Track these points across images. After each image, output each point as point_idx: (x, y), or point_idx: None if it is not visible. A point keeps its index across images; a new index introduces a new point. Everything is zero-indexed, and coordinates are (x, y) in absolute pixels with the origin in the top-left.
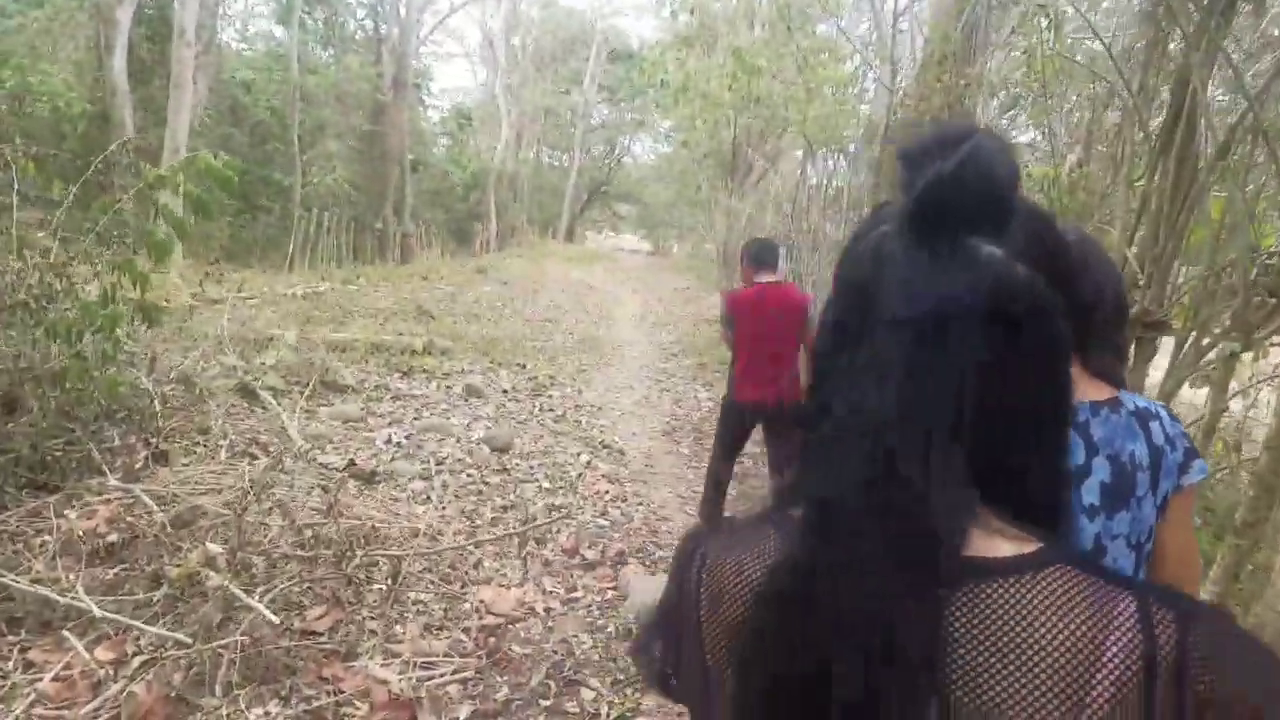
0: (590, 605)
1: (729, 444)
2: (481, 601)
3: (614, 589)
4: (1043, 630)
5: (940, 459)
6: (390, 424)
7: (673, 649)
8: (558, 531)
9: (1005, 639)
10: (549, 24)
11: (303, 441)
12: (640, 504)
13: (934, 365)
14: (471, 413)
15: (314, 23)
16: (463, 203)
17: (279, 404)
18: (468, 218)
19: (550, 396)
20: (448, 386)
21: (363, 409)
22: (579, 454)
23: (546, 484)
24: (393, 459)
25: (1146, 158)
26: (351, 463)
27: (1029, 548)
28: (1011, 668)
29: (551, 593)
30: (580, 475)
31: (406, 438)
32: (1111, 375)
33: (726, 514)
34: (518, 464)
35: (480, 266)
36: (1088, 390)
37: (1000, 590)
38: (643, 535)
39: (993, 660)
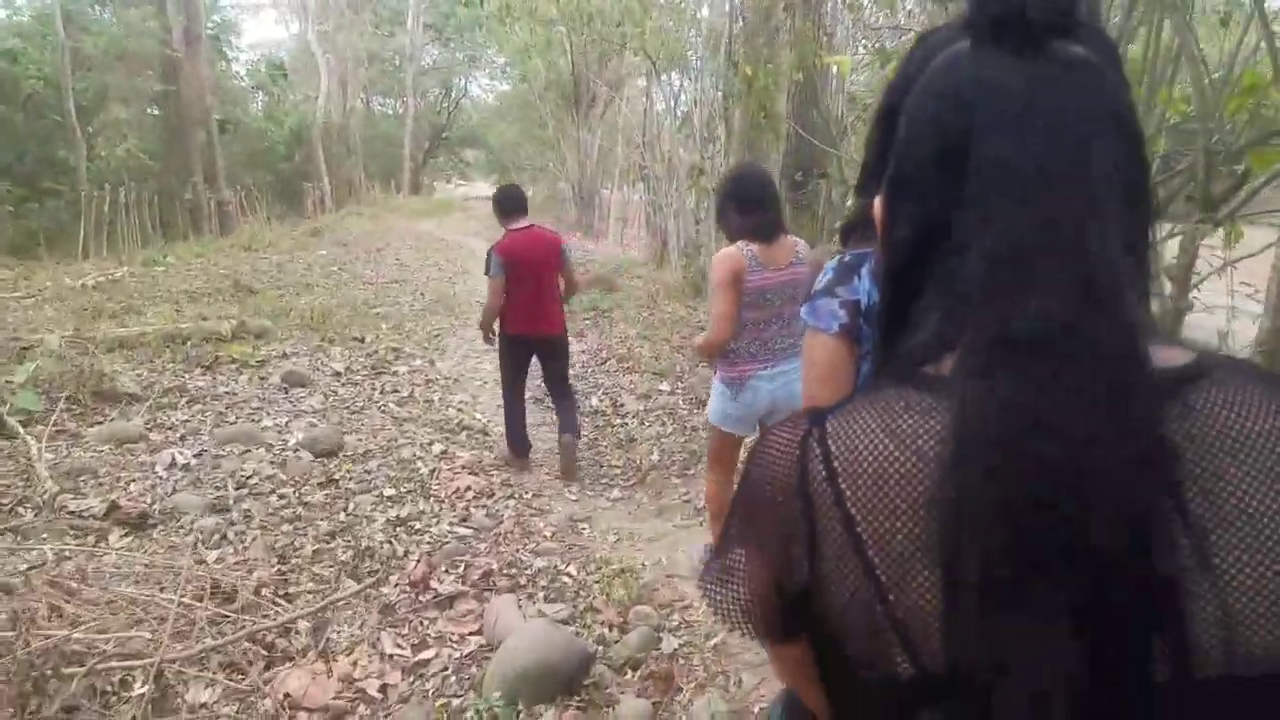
0: (446, 670)
1: (514, 373)
2: (286, 696)
3: (478, 635)
4: (1258, 424)
5: (1127, 275)
6: (181, 438)
7: (779, 558)
8: (403, 556)
9: (1229, 441)
10: None
11: (51, 483)
12: (511, 496)
13: (1085, 179)
14: (291, 408)
15: None
16: (288, 162)
17: (27, 433)
18: (296, 177)
19: (395, 374)
20: (262, 377)
21: (146, 423)
22: (431, 443)
23: (389, 490)
24: (174, 491)
25: None
26: (114, 506)
27: (1187, 353)
28: (1245, 468)
29: (393, 657)
30: (434, 471)
31: (197, 457)
32: None
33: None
34: (349, 470)
35: (314, 229)
36: None
37: (1204, 397)
38: (515, 542)
39: (1225, 464)
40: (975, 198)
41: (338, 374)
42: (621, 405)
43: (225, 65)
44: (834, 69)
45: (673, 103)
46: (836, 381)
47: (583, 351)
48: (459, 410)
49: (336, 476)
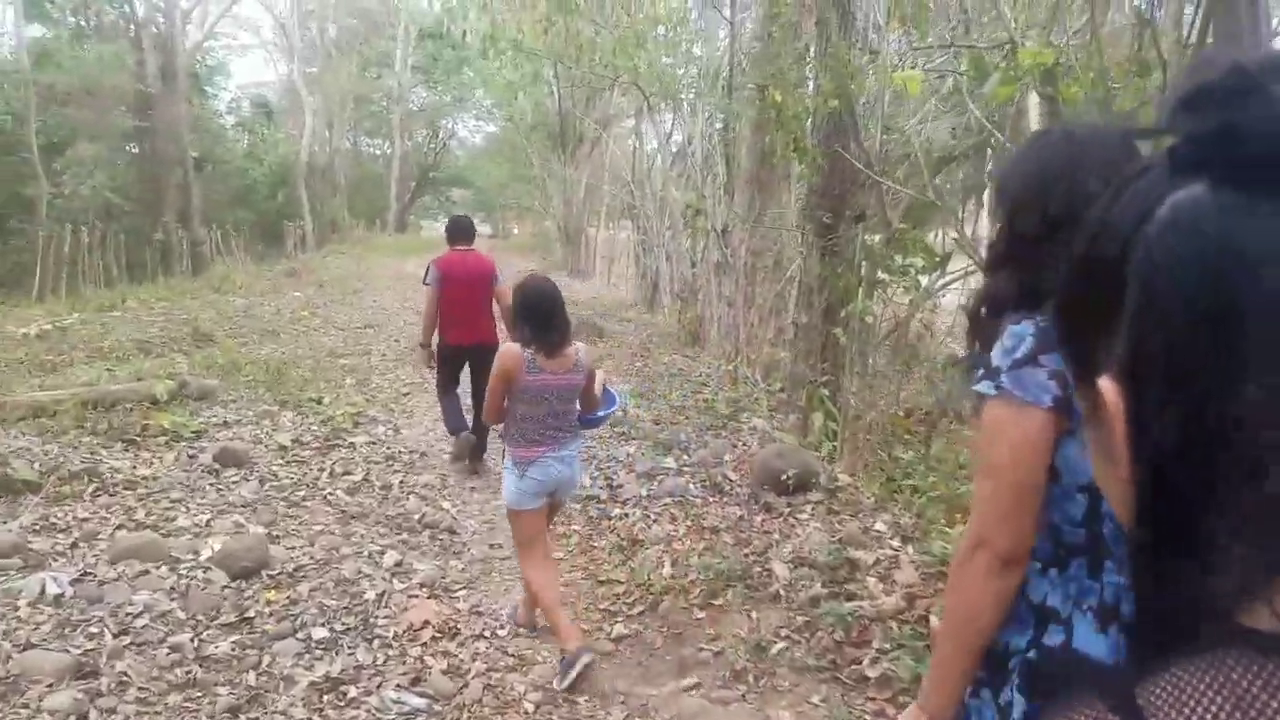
0: None
1: (448, 378)
2: None
3: None
4: None
5: None
6: (73, 546)
7: None
8: None
9: None
10: (345, 5)
11: None
12: (483, 637)
13: None
14: (217, 499)
15: (61, 13)
16: (270, 201)
17: None
18: (278, 217)
19: (351, 446)
20: (192, 455)
21: (34, 524)
22: (383, 551)
23: (320, 629)
24: (28, 645)
25: None
26: None
27: None
28: None
29: None
30: (382, 597)
31: (77, 583)
32: None
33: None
34: (271, 600)
35: (291, 269)
36: None
37: None
38: None
39: None
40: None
41: (283, 448)
42: (620, 487)
43: (205, 103)
44: (872, 96)
45: (664, 140)
46: (1043, 461)
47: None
48: (423, 498)
49: (252, 613)
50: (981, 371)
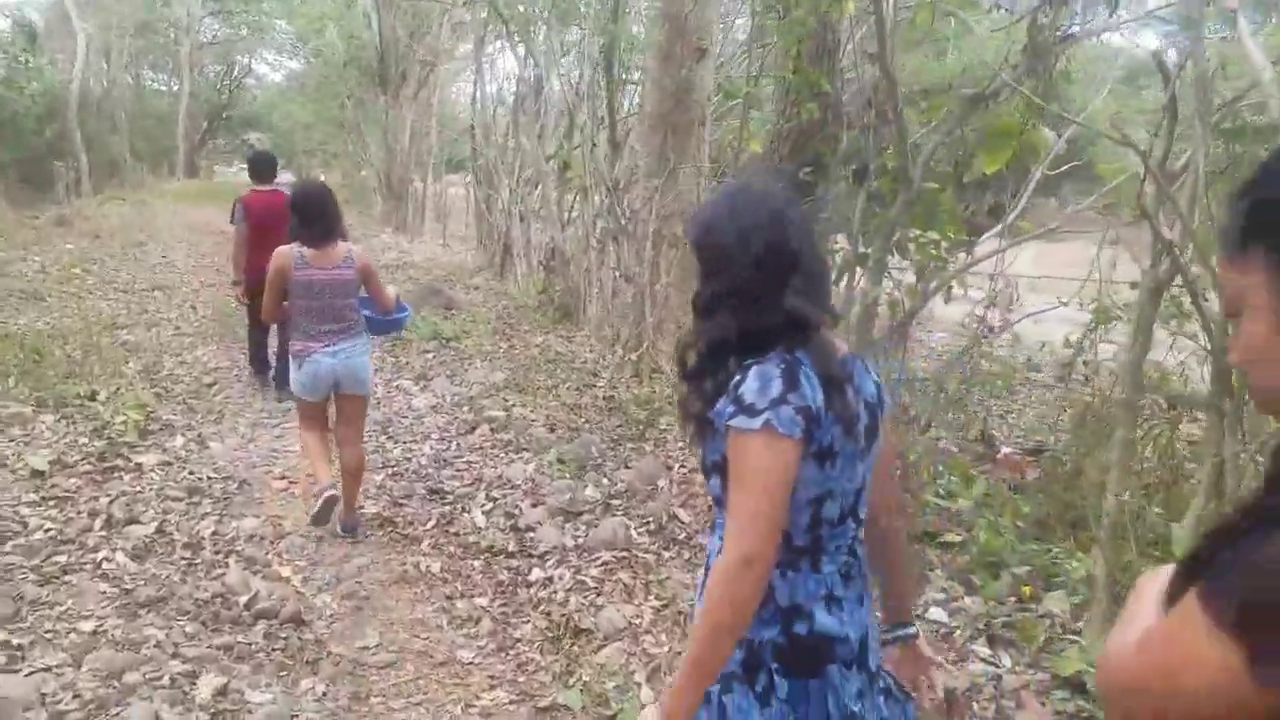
0: None
1: (254, 314)
2: None
3: None
4: None
5: None
6: None
7: None
8: None
9: None
10: None
11: None
12: None
13: None
14: None
15: None
16: (37, 136)
17: None
18: (47, 156)
19: (138, 471)
20: None
21: None
22: (196, 672)
23: None
24: None
25: None
26: None
27: None
28: None
29: None
30: None
31: None
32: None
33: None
34: None
35: (61, 216)
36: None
37: None
38: None
39: None
40: None
41: (38, 475)
42: (529, 531)
43: None
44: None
45: (521, 77)
46: (792, 483)
47: (434, 409)
48: (249, 564)
49: None
50: (733, 408)
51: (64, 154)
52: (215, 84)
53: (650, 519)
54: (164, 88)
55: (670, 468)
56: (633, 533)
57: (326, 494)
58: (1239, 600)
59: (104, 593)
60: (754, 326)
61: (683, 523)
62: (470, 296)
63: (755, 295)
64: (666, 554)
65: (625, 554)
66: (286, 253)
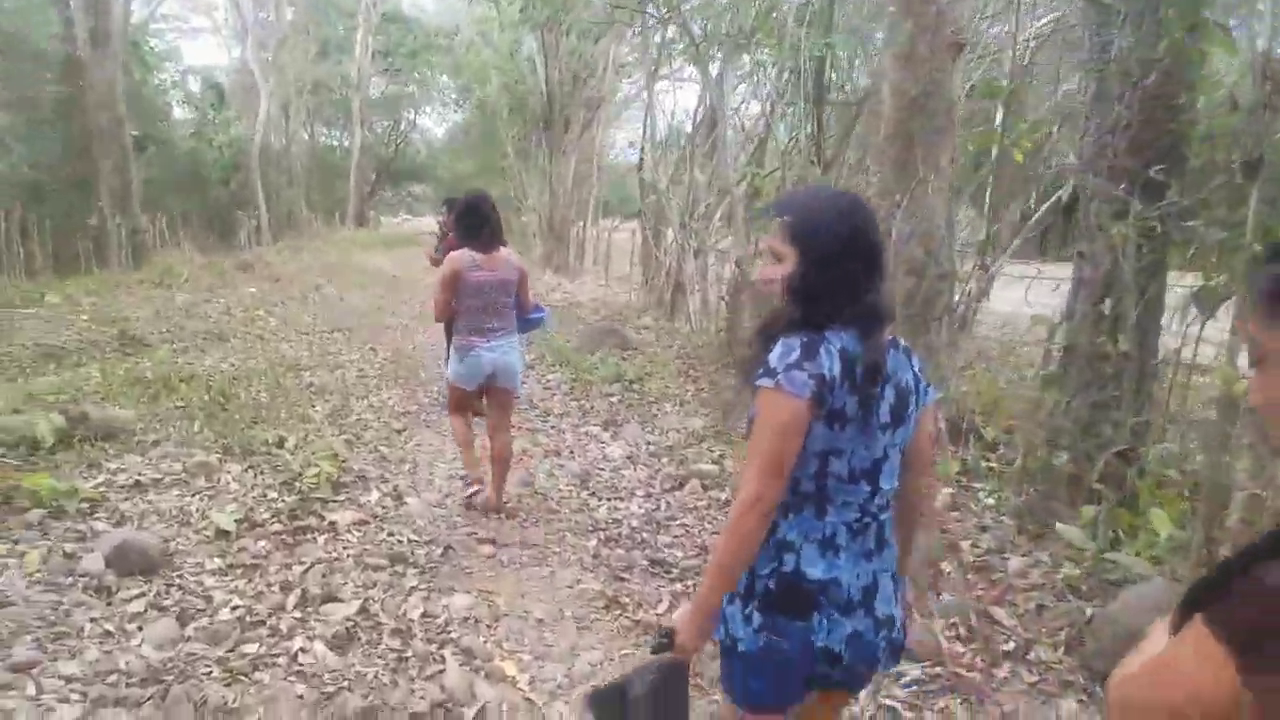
0: None
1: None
2: None
3: None
4: None
5: None
6: None
7: None
8: None
9: None
10: None
11: None
12: None
13: None
14: (90, 669)
15: None
16: (223, 188)
17: None
18: (231, 206)
19: (332, 532)
20: (69, 554)
21: None
22: None
23: None
24: None
25: None
26: None
27: None
28: None
29: None
30: None
31: None
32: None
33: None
34: None
35: (244, 262)
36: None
37: None
38: None
39: None
40: None
41: (224, 537)
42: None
43: (146, 76)
44: None
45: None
46: (800, 436)
47: (630, 459)
48: (466, 657)
49: None
50: (761, 371)
51: (246, 204)
52: (383, 138)
53: (955, 618)
54: (336, 142)
55: (958, 547)
56: (940, 638)
57: (473, 491)
58: (1240, 621)
59: (301, 698)
60: (837, 315)
61: (1005, 628)
62: (642, 336)
63: (851, 288)
64: (998, 673)
65: (938, 670)
66: (460, 257)
